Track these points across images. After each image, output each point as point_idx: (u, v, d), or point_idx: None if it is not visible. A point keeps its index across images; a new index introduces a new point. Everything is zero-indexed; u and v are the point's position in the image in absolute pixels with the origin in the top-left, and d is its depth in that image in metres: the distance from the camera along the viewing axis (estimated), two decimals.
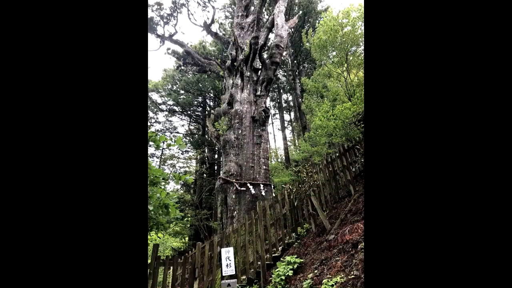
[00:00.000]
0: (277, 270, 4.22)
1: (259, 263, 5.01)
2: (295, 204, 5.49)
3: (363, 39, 7.03)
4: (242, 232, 5.34)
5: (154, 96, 20.64)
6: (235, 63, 10.20)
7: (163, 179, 3.00)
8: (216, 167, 19.09)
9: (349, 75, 7.63)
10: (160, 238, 8.10)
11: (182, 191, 18.54)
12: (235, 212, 7.27)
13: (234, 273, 4.38)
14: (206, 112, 20.42)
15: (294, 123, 21.56)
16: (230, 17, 19.36)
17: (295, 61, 18.09)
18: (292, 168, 12.58)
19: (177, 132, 21.97)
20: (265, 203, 5.58)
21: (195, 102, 21.08)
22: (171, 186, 19.13)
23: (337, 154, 5.96)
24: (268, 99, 21.73)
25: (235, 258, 4.64)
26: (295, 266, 4.12)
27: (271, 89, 18.95)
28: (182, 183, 16.19)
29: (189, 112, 21.15)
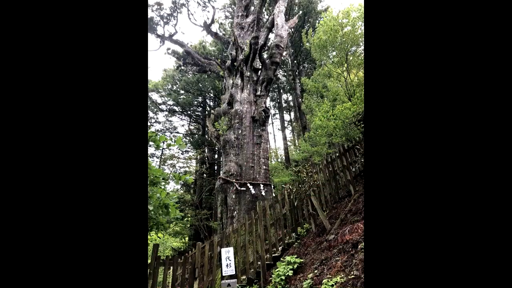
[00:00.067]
0: (277, 270, 4.22)
1: (259, 263, 5.01)
2: (295, 204, 5.49)
3: (363, 39, 7.03)
4: (242, 232, 5.34)
5: (154, 96, 20.64)
6: (235, 63, 10.20)
7: (163, 179, 3.00)
8: (216, 167, 19.09)
9: (349, 75, 7.63)
10: (160, 238, 8.10)
11: (182, 191, 18.54)
12: (235, 212, 7.27)
13: (234, 273, 4.38)
14: (206, 112, 20.43)
15: (294, 123, 21.56)
16: (230, 17, 19.36)
17: (295, 61, 18.09)
18: (292, 168, 12.58)
19: (177, 132, 21.97)
20: (265, 203, 5.58)
21: (195, 102, 21.08)
22: (171, 186, 19.14)
23: (337, 154, 5.96)
24: (268, 99, 21.73)
25: (235, 258, 4.64)
26: (295, 266, 4.12)
27: (271, 89, 18.95)
28: (182, 183, 16.19)
29: (189, 112, 21.15)
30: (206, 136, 18.54)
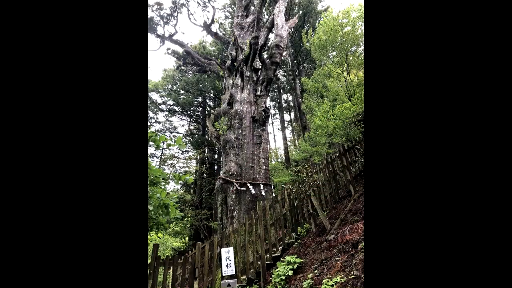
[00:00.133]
0: (277, 270, 4.22)
1: (259, 263, 5.01)
2: (295, 204, 5.49)
3: (363, 39, 7.03)
4: (242, 232, 5.34)
5: (154, 96, 20.64)
6: (235, 63, 10.20)
7: (163, 179, 3.00)
8: (216, 167, 19.09)
9: (349, 75, 7.63)
10: (160, 238, 8.10)
11: (182, 191, 18.53)
12: (235, 212, 7.27)
13: (234, 273, 4.38)
14: (206, 112, 20.42)
15: (294, 123, 21.55)
16: (230, 17, 19.36)
17: (295, 61, 18.09)
18: (292, 168, 12.58)
19: (177, 132, 21.97)
20: (265, 203, 5.58)
21: (195, 102, 21.07)
22: (171, 186, 19.13)
23: (337, 154, 5.96)
24: (268, 99, 21.73)
25: (235, 258, 4.64)
26: (295, 266, 4.12)
27: (271, 89, 18.96)
28: (182, 183, 16.19)
29: (189, 112, 21.15)
30: (206, 136, 18.54)
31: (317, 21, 15.87)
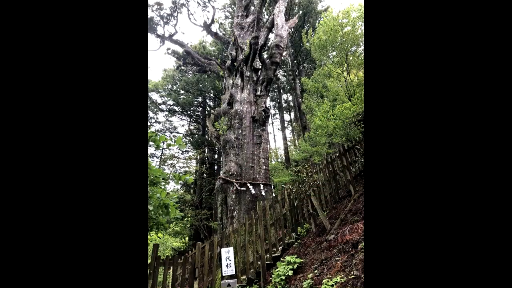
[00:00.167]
0: (277, 270, 4.22)
1: (259, 263, 5.01)
2: (295, 204, 5.49)
3: (363, 39, 7.03)
4: (242, 232, 5.34)
5: (154, 96, 20.63)
6: (235, 63, 10.20)
7: (163, 179, 3.00)
8: (216, 167, 19.09)
9: (349, 75, 7.63)
10: (160, 238, 8.10)
11: (182, 191, 18.53)
12: (235, 212, 7.27)
13: (234, 273, 4.38)
14: (206, 112, 20.42)
15: (294, 123, 21.55)
16: (230, 17, 19.36)
17: (295, 61, 18.09)
18: (292, 168, 12.58)
19: (177, 132, 21.96)
20: (265, 203, 5.58)
21: (195, 102, 21.07)
22: (171, 186, 19.13)
23: (337, 154, 5.96)
24: (268, 99, 21.73)
25: (235, 258, 4.64)
26: (295, 266, 4.12)
27: (271, 89, 18.95)
28: (182, 183, 16.19)
29: (189, 112, 21.15)
30: (206, 136, 18.53)
31: (317, 21, 15.87)
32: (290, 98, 23.00)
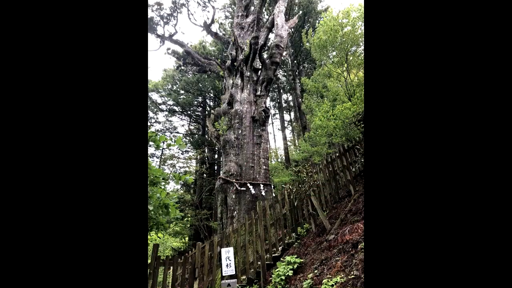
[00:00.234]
0: (277, 270, 4.22)
1: (259, 263, 5.01)
2: (295, 204, 5.49)
3: (363, 39, 7.03)
4: (242, 232, 5.34)
5: (154, 96, 20.63)
6: (235, 63, 10.20)
7: (163, 179, 3.00)
8: (216, 167, 19.08)
9: (349, 75, 7.63)
10: (160, 238, 8.10)
11: (182, 191, 18.53)
12: (235, 212, 7.27)
13: (234, 273, 4.38)
14: (206, 112, 20.41)
15: (294, 123, 21.55)
16: (230, 17, 19.36)
17: (295, 61, 18.08)
18: (292, 168, 12.58)
19: (177, 132, 21.96)
20: (265, 203, 5.58)
21: (195, 102, 21.07)
22: (171, 186, 19.13)
23: (337, 154, 5.96)
24: (268, 99, 21.73)
25: (235, 258, 4.64)
26: (295, 266, 4.12)
27: (271, 89, 18.95)
28: (182, 183, 16.19)
29: (189, 112, 21.15)
30: (206, 136, 18.53)
31: (317, 21, 15.87)
32: (290, 98, 23.00)
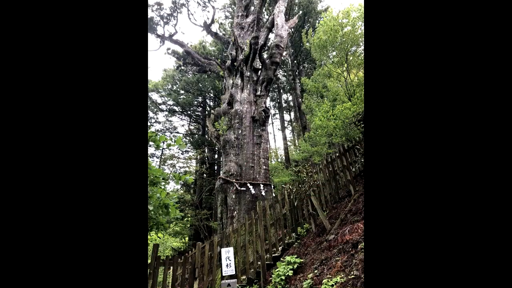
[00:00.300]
0: (277, 270, 4.22)
1: (259, 263, 5.01)
2: (295, 204, 5.49)
3: (363, 39, 7.03)
4: (242, 232, 5.34)
5: (154, 96, 20.63)
6: (235, 63, 10.20)
7: (163, 179, 3.00)
8: (216, 167, 19.08)
9: (349, 75, 7.63)
10: (160, 238, 8.10)
11: (182, 191, 18.52)
12: (235, 212, 7.27)
13: (234, 273, 4.38)
14: (206, 112, 20.41)
15: (294, 123, 21.55)
16: (230, 17, 19.36)
17: (295, 61, 18.08)
18: (292, 168, 12.58)
19: (177, 132, 21.96)
20: (265, 203, 5.58)
21: (195, 102, 21.07)
22: (171, 186, 19.12)
23: (337, 154, 5.96)
24: (268, 99, 21.74)
25: (235, 258, 4.64)
26: (295, 266, 4.12)
27: (271, 89, 18.96)
28: (182, 183, 16.18)
29: (189, 112, 21.14)
30: (206, 136, 18.53)
31: (317, 21, 15.87)
32: (290, 98, 23.00)
